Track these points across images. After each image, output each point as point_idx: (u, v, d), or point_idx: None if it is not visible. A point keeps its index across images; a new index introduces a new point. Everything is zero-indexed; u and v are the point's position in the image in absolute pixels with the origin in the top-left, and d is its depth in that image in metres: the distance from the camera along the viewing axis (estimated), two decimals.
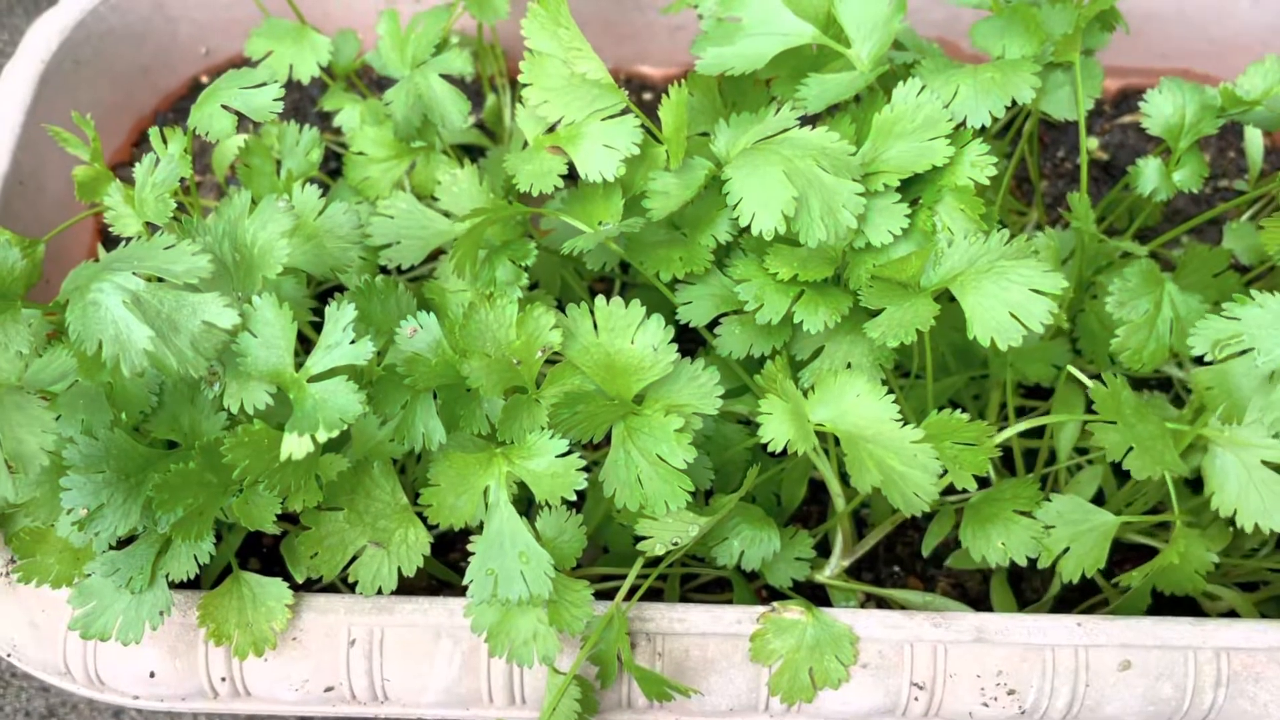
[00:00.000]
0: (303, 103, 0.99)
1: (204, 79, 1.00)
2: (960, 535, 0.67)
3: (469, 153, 0.92)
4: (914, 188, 0.65)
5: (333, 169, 0.93)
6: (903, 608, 0.71)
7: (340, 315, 0.53)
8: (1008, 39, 0.67)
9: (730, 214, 0.63)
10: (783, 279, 0.62)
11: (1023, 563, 0.65)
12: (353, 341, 0.53)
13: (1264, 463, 0.61)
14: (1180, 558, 0.64)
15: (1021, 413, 0.81)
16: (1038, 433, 0.78)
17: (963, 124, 0.65)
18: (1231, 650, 0.65)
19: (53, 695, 0.87)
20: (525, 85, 0.65)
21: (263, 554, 0.78)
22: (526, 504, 0.61)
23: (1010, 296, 0.57)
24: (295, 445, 0.51)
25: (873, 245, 0.63)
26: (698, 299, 0.67)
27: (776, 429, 0.58)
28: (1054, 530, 0.64)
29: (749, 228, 0.60)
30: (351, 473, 0.61)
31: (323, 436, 0.51)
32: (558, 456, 0.57)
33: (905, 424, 0.58)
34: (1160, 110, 0.73)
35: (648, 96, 1.01)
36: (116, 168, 0.96)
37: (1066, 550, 0.64)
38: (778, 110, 0.65)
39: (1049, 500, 0.64)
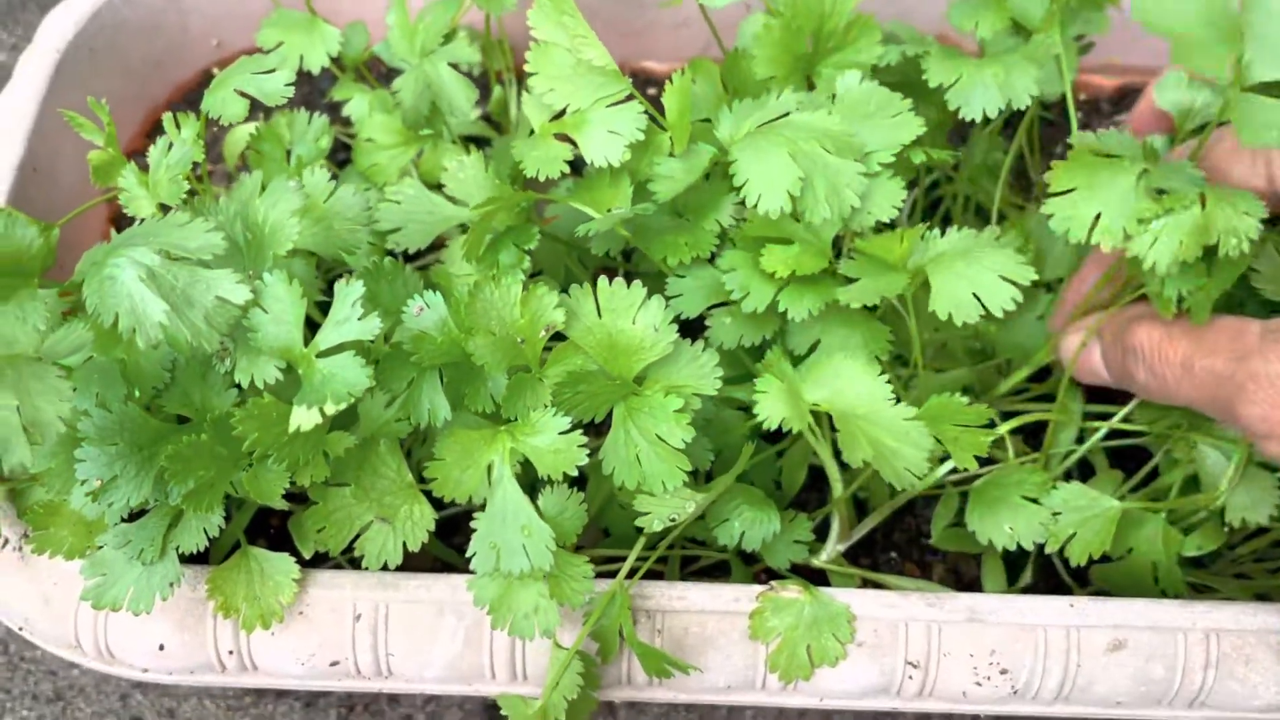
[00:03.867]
0: (312, 95, 1.00)
1: (215, 71, 1.02)
2: (966, 518, 0.68)
3: (475, 144, 0.93)
4: None
5: (341, 160, 0.94)
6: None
7: (349, 291, 0.54)
8: (980, 16, 0.69)
9: (734, 198, 0.64)
10: (780, 276, 0.63)
11: (1030, 548, 0.67)
12: (360, 318, 0.54)
13: (1255, 463, 0.63)
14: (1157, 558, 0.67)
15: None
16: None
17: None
18: (1221, 632, 0.66)
19: (60, 679, 0.88)
20: (532, 74, 0.66)
21: (270, 534, 0.79)
22: (530, 485, 0.62)
23: (978, 278, 0.60)
24: (304, 417, 0.53)
25: (880, 222, 0.65)
26: (689, 291, 0.68)
27: (772, 407, 0.60)
28: (1061, 517, 0.66)
29: (755, 208, 0.62)
30: (358, 450, 0.62)
31: (330, 409, 0.53)
32: (560, 434, 0.58)
33: (899, 403, 0.60)
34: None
35: (652, 91, 1.02)
36: (131, 155, 0.97)
37: (1073, 535, 0.66)
38: (778, 95, 0.66)
39: (1055, 488, 0.66)
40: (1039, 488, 0.67)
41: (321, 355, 0.55)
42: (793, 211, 0.63)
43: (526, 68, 0.66)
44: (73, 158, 0.86)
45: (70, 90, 0.89)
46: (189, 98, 1.00)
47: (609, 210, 0.65)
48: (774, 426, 0.60)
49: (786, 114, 0.64)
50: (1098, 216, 0.58)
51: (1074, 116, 0.69)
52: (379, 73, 1.00)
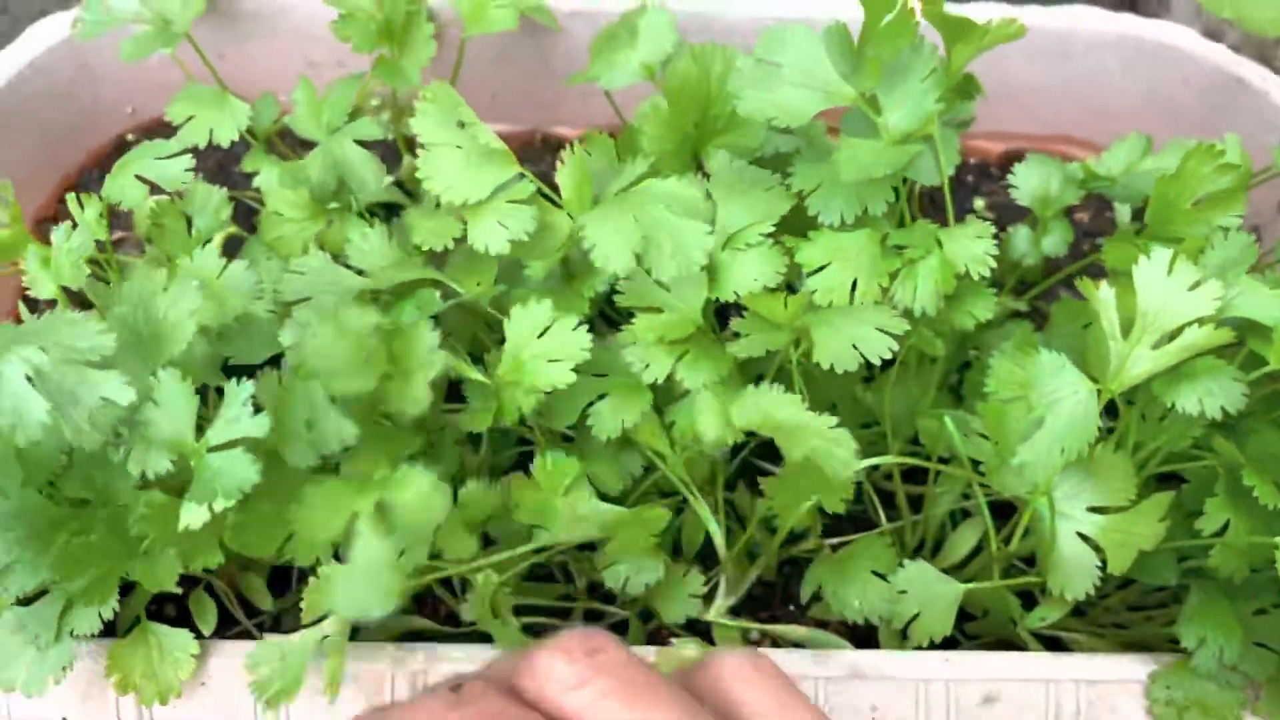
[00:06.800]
0: (227, 161, 1.02)
1: (129, 136, 1.03)
2: (823, 587, 0.71)
3: (390, 210, 0.95)
4: None
5: (252, 225, 0.96)
6: (793, 642, 0.76)
7: (240, 391, 0.56)
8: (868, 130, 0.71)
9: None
10: (650, 340, 0.67)
11: (876, 622, 0.70)
12: (252, 415, 0.56)
13: (1078, 534, 0.67)
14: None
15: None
16: (922, 478, 0.83)
17: None
18: (1088, 682, 0.70)
19: None
20: (425, 179, 0.67)
21: (179, 600, 0.80)
22: None
23: (857, 331, 0.65)
24: (194, 515, 0.54)
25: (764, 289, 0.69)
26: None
27: (709, 422, 0.65)
28: (906, 595, 0.68)
29: (604, 269, 0.65)
30: None
31: (220, 505, 0.54)
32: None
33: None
34: (1027, 183, 0.79)
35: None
36: (43, 222, 0.98)
37: (917, 616, 0.69)
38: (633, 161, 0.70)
39: (902, 565, 0.69)
40: (886, 563, 0.70)
41: (212, 450, 0.57)
42: (648, 273, 0.67)
43: (418, 174, 0.68)
44: None
45: None
46: (103, 164, 1.01)
47: (477, 285, 0.71)
48: (710, 438, 0.64)
49: (636, 182, 0.68)
50: (855, 282, 0.66)
51: (949, 199, 0.73)
52: (293, 140, 1.02)
